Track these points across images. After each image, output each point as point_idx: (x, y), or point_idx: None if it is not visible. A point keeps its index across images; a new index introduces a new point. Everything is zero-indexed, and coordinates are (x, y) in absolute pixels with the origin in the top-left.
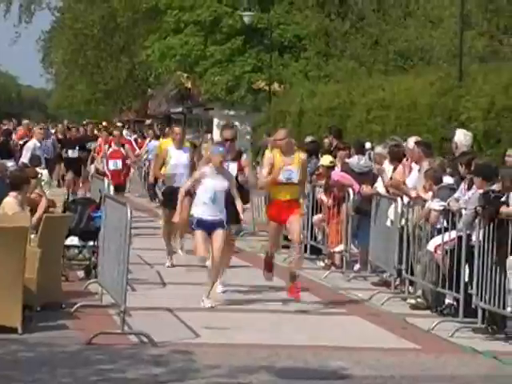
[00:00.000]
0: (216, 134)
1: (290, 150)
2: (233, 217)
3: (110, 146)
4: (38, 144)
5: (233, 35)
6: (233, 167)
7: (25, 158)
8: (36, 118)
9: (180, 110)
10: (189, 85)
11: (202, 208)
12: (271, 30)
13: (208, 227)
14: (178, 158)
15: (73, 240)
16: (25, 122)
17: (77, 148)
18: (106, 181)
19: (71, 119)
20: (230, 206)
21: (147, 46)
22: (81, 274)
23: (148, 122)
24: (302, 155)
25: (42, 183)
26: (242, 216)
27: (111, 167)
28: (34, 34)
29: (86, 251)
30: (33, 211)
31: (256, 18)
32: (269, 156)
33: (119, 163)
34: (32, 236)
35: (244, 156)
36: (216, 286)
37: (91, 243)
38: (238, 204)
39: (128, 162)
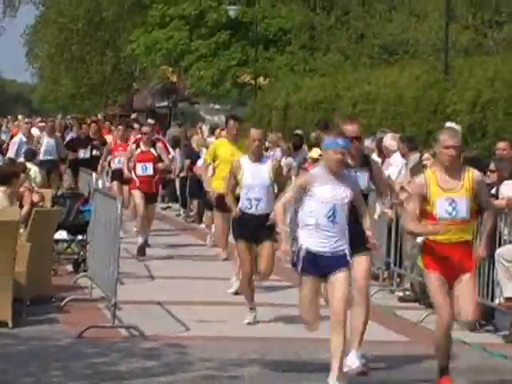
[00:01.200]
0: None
1: None
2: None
3: (137, 146)
4: (24, 139)
5: (218, 29)
6: (362, 178)
7: (11, 152)
8: (21, 113)
9: (165, 104)
10: (174, 79)
11: (312, 234)
12: (256, 23)
13: (322, 268)
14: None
15: (62, 234)
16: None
17: (89, 147)
18: (95, 175)
19: (56, 114)
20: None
21: (132, 40)
22: (70, 267)
23: (133, 116)
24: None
25: (33, 179)
26: (374, 241)
27: (140, 172)
28: (19, 28)
29: (74, 245)
30: (22, 205)
31: (241, 12)
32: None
33: (150, 168)
34: (21, 230)
35: (376, 162)
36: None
37: (80, 237)
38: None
39: (160, 166)
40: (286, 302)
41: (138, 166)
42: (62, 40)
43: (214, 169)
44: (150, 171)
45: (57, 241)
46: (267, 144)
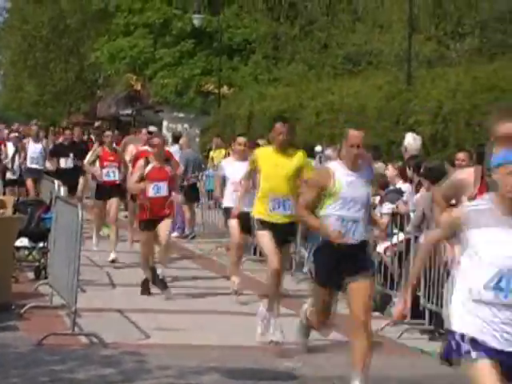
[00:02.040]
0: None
1: None
2: None
3: (147, 162)
4: None
5: (182, 38)
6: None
7: None
8: None
9: (129, 112)
10: (138, 87)
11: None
12: (221, 33)
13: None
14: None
15: (23, 241)
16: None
17: (71, 156)
18: (57, 182)
19: (19, 121)
20: None
21: (96, 47)
22: (31, 275)
23: (97, 124)
24: None
25: None
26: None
27: (152, 194)
28: None
29: (36, 252)
30: None
31: (206, 21)
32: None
33: (163, 188)
34: None
35: None
36: None
37: (41, 244)
38: None
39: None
40: (243, 311)
41: (149, 185)
42: (25, 47)
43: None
44: (164, 192)
45: (18, 248)
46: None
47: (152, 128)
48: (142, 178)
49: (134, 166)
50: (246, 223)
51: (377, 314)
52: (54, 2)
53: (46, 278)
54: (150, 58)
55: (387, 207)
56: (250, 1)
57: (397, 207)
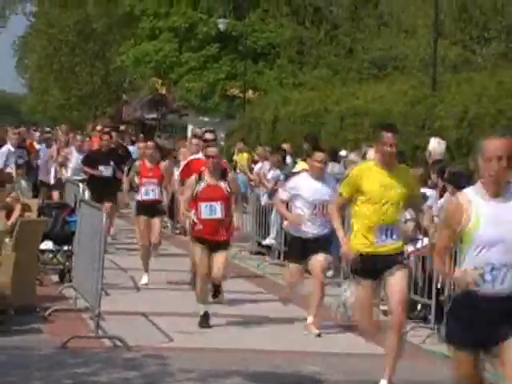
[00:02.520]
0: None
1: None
2: None
3: (199, 177)
4: (13, 149)
5: (207, 42)
6: None
7: None
8: (10, 123)
9: (154, 116)
10: (163, 91)
11: None
12: (246, 37)
13: None
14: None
15: (47, 244)
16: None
17: (111, 163)
18: (81, 185)
19: (46, 124)
20: None
21: (122, 51)
22: (55, 278)
23: (122, 127)
24: None
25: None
26: None
27: (205, 215)
28: (9, 38)
29: (60, 255)
30: (8, 215)
31: (231, 26)
32: None
33: (219, 209)
34: (7, 240)
35: None
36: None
37: (66, 247)
38: None
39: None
40: (269, 315)
41: (202, 205)
42: (51, 51)
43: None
44: (219, 214)
45: (42, 251)
46: (256, 157)
47: (208, 135)
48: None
49: (184, 176)
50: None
51: None
52: (80, 6)
53: (70, 281)
54: (176, 62)
55: (412, 213)
56: (275, 5)
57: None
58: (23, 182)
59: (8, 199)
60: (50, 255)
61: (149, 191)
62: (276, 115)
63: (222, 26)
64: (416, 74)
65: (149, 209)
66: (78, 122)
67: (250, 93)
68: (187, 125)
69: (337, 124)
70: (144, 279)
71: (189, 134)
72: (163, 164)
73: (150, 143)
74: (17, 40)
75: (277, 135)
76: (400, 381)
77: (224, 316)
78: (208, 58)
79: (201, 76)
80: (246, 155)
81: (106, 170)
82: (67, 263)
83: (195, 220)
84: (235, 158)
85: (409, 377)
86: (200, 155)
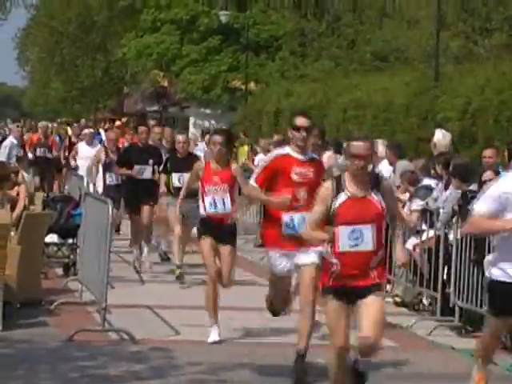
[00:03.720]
0: (192, 133)
1: None
2: None
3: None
4: (15, 141)
5: (209, 34)
6: None
7: (2, 156)
8: (11, 116)
9: (156, 108)
10: (165, 83)
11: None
12: (248, 29)
13: None
14: None
15: (52, 237)
16: (43, 123)
17: (150, 162)
18: (86, 178)
19: (46, 117)
20: None
21: (123, 44)
22: (59, 271)
23: (123, 120)
24: None
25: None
26: None
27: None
28: (10, 31)
29: (65, 248)
30: (12, 208)
31: (232, 18)
32: None
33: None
34: (12, 233)
35: None
36: None
37: (70, 241)
38: None
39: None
40: None
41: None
42: (52, 43)
43: None
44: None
45: (47, 244)
46: (258, 150)
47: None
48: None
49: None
50: None
51: (406, 310)
52: None
53: (75, 274)
54: (177, 55)
55: (417, 204)
56: None
57: (427, 204)
58: (26, 175)
59: (13, 192)
60: (55, 248)
61: (216, 203)
62: (278, 107)
63: (223, 18)
64: (418, 65)
65: (215, 228)
66: (79, 115)
67: (251, 85)
68: (189, 117)
69: (339, 116)
70: (213, 335)
71: (190, 126)
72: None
73: (217, 136)
74: (18, 32)
75: (279, 127)
76: (406, 371)
77: (230, 308)
78: (210, 50)
79: (202, 68)
80: (246, 148)
81: (145, 171)
82: (72, 256)
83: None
84: (235, 150)
85: (415, 367)
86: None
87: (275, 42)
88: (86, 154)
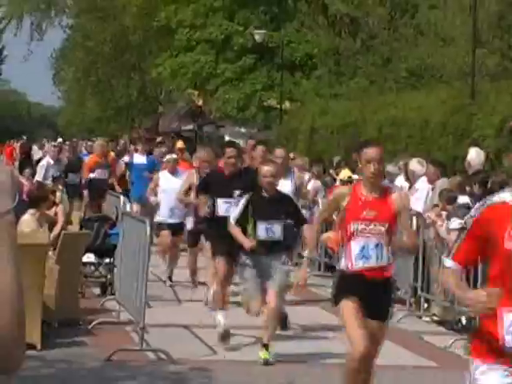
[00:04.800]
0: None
1: None
2: None
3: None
4: (52, 162)
5: (244, 53)
6: None
7: (39, 176)
8: (47, 136)
9: (191, 127)
10: (200, 102)
11: None
12: (282, 48)
13: None
14: None
15: (89, 257)
16: (98, 142)
17: (236, 193)
18: (122, 198)
19: (81, 137)
20: None
21: (158, 63)
22: (96, 290)
23: (159, 139)
24: None
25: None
26: None
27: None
28: (46, 51)
29: (102, 268)
30: (50, 228)
31: (267, 37)
32: None
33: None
34: (50, 253)
35: None
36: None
37: (107, 260)
38: None
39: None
40: (310, 327)
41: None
42: (88, 63)
43: None
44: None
45: (85, 264)
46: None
47: None
48: None
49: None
50: None
51: (444, 329)
52: (117, 18)
53: (112, 293)
54: (212, 74)
55: (456, 222)
56: (311, 16)
57: (465, 223)
58: (62, 195)
59: (51, 212)
60: (92, 268)
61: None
62: (313, 126)
63: (258, 37)
64: (454, 83)
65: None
66: (113, 134)
67: (286, 103)
68: (224, 136)
69: (374, 134)
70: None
71: None
72: None
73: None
74: (53, 53)
75: (314, 146)
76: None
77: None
78: (244, 69)
79: (237, 87)
80: None
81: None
82: (109, 276)
83: None
84: None
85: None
86: None
87: (310, 60)
88: (170, 186)
